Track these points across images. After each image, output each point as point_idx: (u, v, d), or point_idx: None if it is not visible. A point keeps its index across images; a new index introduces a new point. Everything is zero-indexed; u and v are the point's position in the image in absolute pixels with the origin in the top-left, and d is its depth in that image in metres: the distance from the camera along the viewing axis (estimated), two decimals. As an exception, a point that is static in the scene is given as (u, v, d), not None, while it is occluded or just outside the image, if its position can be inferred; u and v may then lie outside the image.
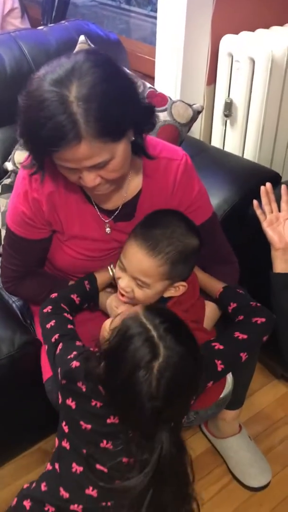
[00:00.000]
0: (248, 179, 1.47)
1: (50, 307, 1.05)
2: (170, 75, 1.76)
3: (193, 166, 1.13)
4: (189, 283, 1.09)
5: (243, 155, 1.78)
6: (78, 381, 0.91)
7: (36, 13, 2.44)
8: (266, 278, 1.26)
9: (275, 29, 1.76)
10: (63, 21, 1.68)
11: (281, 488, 1.36)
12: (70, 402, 0.93)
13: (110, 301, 1.12)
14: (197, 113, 1.49)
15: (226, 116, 1.75)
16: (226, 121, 1.78)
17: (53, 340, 0.99)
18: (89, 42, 1.51)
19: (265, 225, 1.27)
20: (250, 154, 1.76)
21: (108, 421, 0.90)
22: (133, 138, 0.93)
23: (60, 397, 0.96)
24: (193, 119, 1.49)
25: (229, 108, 1.72)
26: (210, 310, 1.18)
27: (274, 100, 1.67)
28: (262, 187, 1.28)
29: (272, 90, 1.64)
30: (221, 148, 1.83)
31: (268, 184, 1.29)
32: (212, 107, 1.81)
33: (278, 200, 1.29)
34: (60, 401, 0.96)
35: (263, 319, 1.06)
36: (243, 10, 1.72)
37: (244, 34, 1.70)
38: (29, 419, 1.31)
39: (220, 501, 1.33)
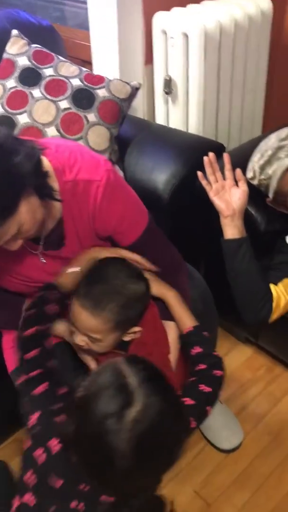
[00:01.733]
0: (193, 151, 1.50)
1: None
2: (107, 59, 1.76)
3: (117, 183, 1.04)
4: (148, 321, 1.10)
5: (187, 130, 1.81)
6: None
7: None
8: (220, 245, 1.31)
9: (206, 3, 1.78)
10: (-7, 11, 1.66)
11: (254, 445, 1.42)
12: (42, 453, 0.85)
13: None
14: (135, 89, 1.51)
15: (167, 93, 1.77)
16: (167, 99, 1.80)
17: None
18: (23, 36, 1.51)
19: (211, 194, 1.30)
20: (194, 129, 1.78)
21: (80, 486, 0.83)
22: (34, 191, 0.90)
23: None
24: (132, 95, 1.51)
25: (168, 85, 1.74)
26: (174, 333, 1.13)
27: (211, 74, 1.70)
28: (205, 158, 1.31)
29: (208, 63, 1.67)
30: (166, 125, 1.85)
31: (211, 154, 1.32)
32: (152, 85, 1.82)
33: (222, 169, 1.33)
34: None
35: (222, 373, 1.02)
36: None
37: (176, 10, 1.72)
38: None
39: (197, 465, 1.38)
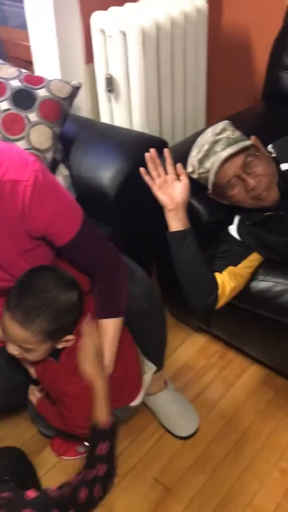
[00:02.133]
0: (137, 148, 1.52)
1: None
2: (47, 59, 1.77)
3: (46, 183, 1.04)
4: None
5: (132, 127, 1.83)
6: None
7: None
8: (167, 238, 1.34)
9: (143, 2, 1.81)
10: None
11: (210, 429, 1.47)
12: None
13: None
14: (76, 88, 1.52)
15: (109, 91, 1.79)
16: (110, 97, 1.82)
17: None
18: None
19: (155, 189, 1.34)
20: (138, 126, 1.81)
21: None
22: None
23: None
24: (73, 94, 1.52)
25: (110, 84, 1.76)
26: (111, 331, 1.16)
27: (151, 71, 1.73)
28: (146, 154, 1.34)
29: (148, 61, 1.70)
30: (110, 123, 1.87)
31: (152, 150, 1.35)
32: (95, 84, 1.84)
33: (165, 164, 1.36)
34: None
35: (102, 495, 0.99)
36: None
37: (113, 9, 1.74)
38: None
39: (157, 453, 1.42)
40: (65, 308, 1.05)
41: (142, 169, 1.35)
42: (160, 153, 1.37)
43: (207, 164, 1.29)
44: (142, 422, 1.49)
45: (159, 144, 1.53)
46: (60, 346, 1.10)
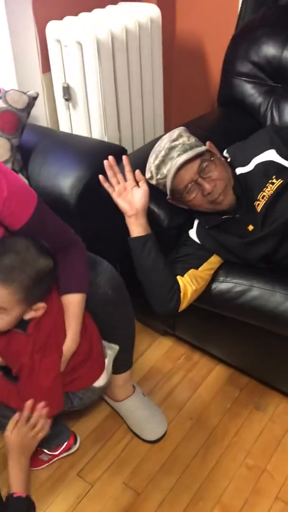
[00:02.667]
0: (96, 156, 1.53)
1: None
2: (3, 69, 1.77)
3: None
4: (52, 308, 1.14)
5: (91, 135, 1.85)
6: None
7: None
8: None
9: (97, 12, 1.83)
10: None
11: (178, 431, 1.48)
12: None
13: None
14: (32, 99, 1.53)
15: (67, 100, 1.80)
16: (69, 105, 1.83)
17: None
18: None
19: (115, 196, 1.36)
20: (97, 134, 1.83)
21: None
22: None
23: None
24: (30, 104, 1.53)
25: (68, 93, 1.78)
26: (75, 306, 1.19)
27: (108, 79, 1.75)
28: (105, 161, 1.36)
29: (104, 70, 1.72)
30: (70, 132, 1.88)
31: (110, 158, 1.37)
32: (53, 93, 1.85)
33: (124, 171, 1.38)
34: None
35: None
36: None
37: (68, 19, 1.75)
38: None
39: (125, 458, 1.42)
40: (44, 272, 1.07)
41: (101, 177, 1.37)
42: (119, 160, 1.39)
43: (164, 170, 1.31)
44: (111, 427, 1.49)
45: (118, 152, 1.55)
46: (28, 316, 1.10)
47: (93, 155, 1.55)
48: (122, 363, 1.44)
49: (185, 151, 1.29)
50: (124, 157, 1.38)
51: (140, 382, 1.61)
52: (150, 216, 1.38)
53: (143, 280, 1.35)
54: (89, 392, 1.29)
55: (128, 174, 1.36)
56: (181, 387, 1.61)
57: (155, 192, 1.38)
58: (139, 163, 1.42)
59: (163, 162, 1.31)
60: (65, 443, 1.40)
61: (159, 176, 1.34)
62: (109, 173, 1.37)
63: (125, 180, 1.36)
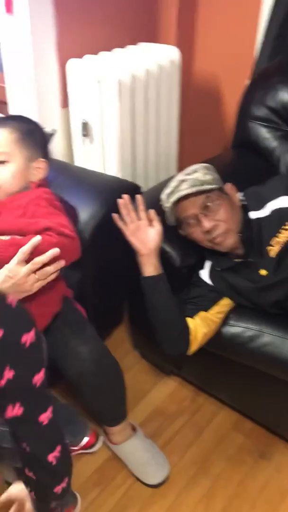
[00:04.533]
0: (110, 192, 1.54)
1: None
2: (23, 101, 1.80)
3: None
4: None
5: (105, 171, 1.87)
6: None
7: None
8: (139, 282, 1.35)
9: (117, 51, 1.88)
10: None
11: (181, 477, 1.44)
12: None
13: None
14: (50, 135, 1.54)
15: (84, 136, 1.83)
16: (85, 141, 1.86)
17: None
18: None
19: (128, 234, 1.36)
20: (112, 170, 1.85)
21: None
22: None
23: None
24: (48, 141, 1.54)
25: (85, 129, 1.80)
26: None
27: (126, 117, 1.78)
28: (119, 200, 1.37)
29: (122, 108, 1.75)
30: (84, 167, 1.90)
31: (125, 196, 1.38)
32: (69, 128, 1.87)
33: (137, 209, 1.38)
34: None
35: None
36: (85, 34, 1.82)
37: (88, 57, 1.79)
38: None
39: (127, 503, 1.38)
40: (31, 127, 1.19)
41: (115, 215, 1.37)
42: (133, 198, 1.39)
43: (171, 199, 1.34)
44: (112, 470, 1.46)
45: (133, 189, 1.56)
46: (33, 176, 1.16)
47: (108, 192, 1.56)
48: (115, 416, 1.41)
49: (193, 186, 1.32)
50: (138, 196, 1.39)
51: (143, 423, 1.58)
52: (162, 255, 1.38)
53: (153, 321, 1.34)
54: None
55: (142, 213, 1.37)
56: (185, 431, 1.57)
57: (168, 232, 1.39)
58: (153, 202, 1.43)
59: (172, 192, 1.34)
60: (85, 440, 1.44)
61: (167, 205, 1.37)
62: (123, 211, 1.37)
63: (139, 219, 1.37)
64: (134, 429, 1.47)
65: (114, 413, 1.40)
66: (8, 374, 0.89)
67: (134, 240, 1.35)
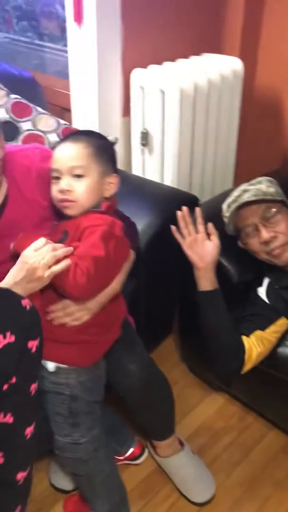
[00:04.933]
0: (169, 203, 1.54)
1: None
2: (86, 108, 1.83)
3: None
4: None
5: (163, 181, 1.86)
6: None
7: None
8: (193, 295, 1.34)
9: (180, 61, 1.88)
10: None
11: (227, 497, 1.41)
12: None
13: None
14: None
15: (143, 145, 1.83)
16: (144, 150, 1.86)
17: None
18: (2, 86, 1.56)
19: (185, 247, 1.34)
20: (169, 180, 1.84)
21: None
22: None
23: None
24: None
25: (145, 138, 1.81)
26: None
27: (186, 128, 1.78)
28: (178, 212, 1.36)
29: (183, 118, 1.74)
30: (142, 176, 1.91)
31: (184, 208, 1.36)
32: (129, 137, 1.89)
33: (196, 222, 1.37)
34: None
35: None
36: (150, 45, 1.83)
37: (152, 67, 1.80)
38: None
39: (171, 519, 1.36)
40: (107, 144, 1.18)
41: (173, 227, 1.36)
42: (191, 210, 1.38)
43: (232, 206, 1.33)
44: (157, 484, 1.44)
45: (191, 201, 1.55)
46: (107, 192, 1.15)
47: (166, 202, 1.55)
48: (164, 431, 1.41)
49: (255, 195, 1.30)
50: (197, 209, 1.37)
51: (189, 438, 1.55)
52: (220, 269, 1.36)
53: (207, 336, 1.31)
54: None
55: (200, 227, 1.35)
56: (232, 449, 1.54)
57: (226, 246, 1.36)
58: (211, 214, 1.41)
59: (233, 201, 1.34)
60: (130, 450, 1.45)
61: (227, 214, 1.36)
62: (181, 223, 1.36)
63: (197, 232, 1.35)
64: (182, 444, 1.45)
65: (162, 428, 1.39)
66: (12, 379, 0.89)
67: (191, 253, 1.33)
